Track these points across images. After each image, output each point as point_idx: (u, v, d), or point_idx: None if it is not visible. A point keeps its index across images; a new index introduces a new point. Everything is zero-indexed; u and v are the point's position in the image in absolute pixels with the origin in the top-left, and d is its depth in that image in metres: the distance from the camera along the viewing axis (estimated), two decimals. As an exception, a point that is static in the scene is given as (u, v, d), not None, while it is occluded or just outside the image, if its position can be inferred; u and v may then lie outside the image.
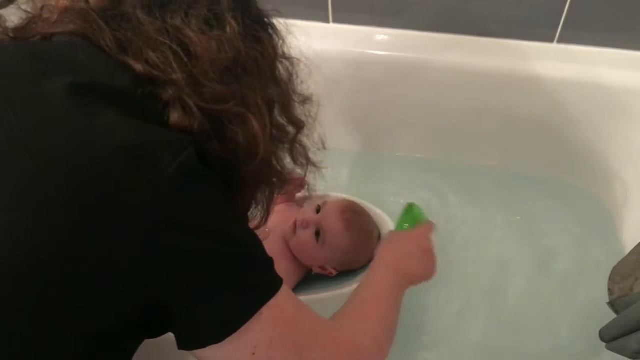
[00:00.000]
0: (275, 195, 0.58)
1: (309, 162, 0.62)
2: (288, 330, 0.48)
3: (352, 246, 0.89)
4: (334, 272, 0.90)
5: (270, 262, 0.48)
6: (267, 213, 0.58)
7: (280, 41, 0.55)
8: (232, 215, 0.47)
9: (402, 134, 1.20)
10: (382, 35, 1.11)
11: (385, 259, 0.72)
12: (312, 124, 0.60)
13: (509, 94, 1.06)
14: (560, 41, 1.03)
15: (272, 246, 0.88)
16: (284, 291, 0.48)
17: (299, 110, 0.58)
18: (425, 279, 0.74)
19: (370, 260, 0.93)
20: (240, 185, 0.51)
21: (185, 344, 0.45)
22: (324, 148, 0.65)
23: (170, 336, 0.47)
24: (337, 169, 1.22)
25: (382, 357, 0.59)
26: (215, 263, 0.43)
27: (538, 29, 1.02)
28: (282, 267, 0.86)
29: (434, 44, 1.08)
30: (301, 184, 0.94)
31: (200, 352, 0.45)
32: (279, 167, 0.57)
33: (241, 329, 0.44)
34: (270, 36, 0.54)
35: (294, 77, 0.57)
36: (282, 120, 0.56)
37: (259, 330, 0.45)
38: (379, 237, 0.96)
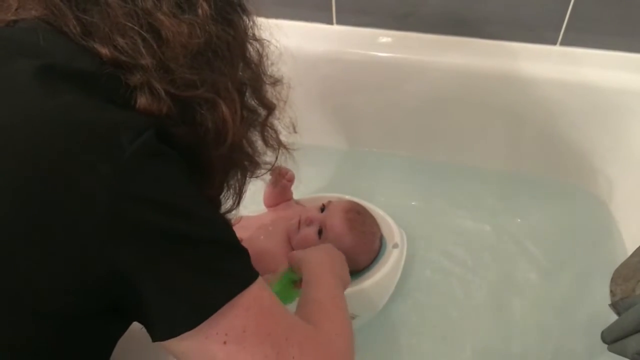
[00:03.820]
0: (248, 179, 0.58)
1: (280, 144, 0.61)
2: (263, 321, 0.46)
3: (353, 246, 0.89)
4: (336, 272, 0.91)
5: (244, 251, 0.47)
6: (239, 197, 0.57)
7: (250, 22, 0.54)
8: (197, 196, 0.45)
9: (404, 135, 1.21)
10: (385, 37, 1.11)
11: (315, 262, 0.71)
12: (282, 106, 0.59)
13: (511, 96, 1.06)
14: (563, 43, 1.03)
15: (275, 242, 0.89)
16: (260, 283, 0.46)
17: (270, 93, 0.58)
18: (348, 282, 0.75)
19: (371, 262, 0.94)
20: (209, 169, 0.51)
21: (156, 334, 0.44)
22: (295, 131, 0.64)
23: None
24: (338, 168, 1.23)
25: (352, 356, 0.57)
26: (178, 242, 0.42)
27: (541, 31, 1.02)
28: (285, 264, 0.87)
29: (437, 46, 1.08)
30: (291, 177, 0.94)
31: (168, 343, 0.43)
32: (250, 151, 0.56)
33: (213, 316, 0.42)
34: (241, 17, 0.53)
35: (265, 58, 0.56)
36: (253, 102, 0.56)
37: (232, 317, 0.43)
38: (382, 239, 0.96)
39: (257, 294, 0.46)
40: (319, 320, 0.56)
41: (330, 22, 1.14)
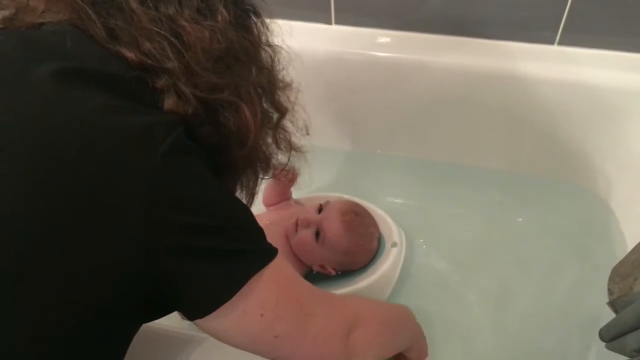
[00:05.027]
0: (260, 180, 0.60)
1: (291, 147, 0.63)
2: (291, 290, 0.50)
3: (351, 248, 0.89)
4: (333, 272, 0.91)
5: (263, 232, 0.50)
6: (252, 197, 0.60)
7: (265, 28, 0.56)
8: (222, 188, 0.48)
9: (403, 135, 1.21)
10: (384, 37, 1.12)
11: None
12: (293, 109, 0.61)
13: (510, 96, 1.07)
14: (560, 43, 1.03)
15: (274, 243, 0.89)
16: (281, 257, 0.50)
17: (282, 96, 0.60)
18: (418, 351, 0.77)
19: (370, 262, 0.94)
20: (229, 170, 0.53)
21: (192, 313, 0.46)
22: (308, 134, 0.66)
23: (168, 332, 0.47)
24: (338, 169, 1.23)
25: (374, 322, 0.61)
26: (211, 233, 0.44)
27: (539, 31, 1.03)
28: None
29: (436, 46, 1.08)
30: (293, 177, 0.95)
31: (208, 322, 0.46)
32: (266, 153, 0.58)
33: (245, 291, 0.45)
34: (256, 24, 0.55)
35: (276, 63, 0.58)
36: (267, 105, 0.57)
37: (263, 290, 0.47)
38: (380, 239, 0.97)
39: (282, 266, 0.50)
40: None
41: (328, 22, 1.14)
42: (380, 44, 1.11)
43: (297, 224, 0.90)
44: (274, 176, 0.63)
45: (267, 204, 1.01)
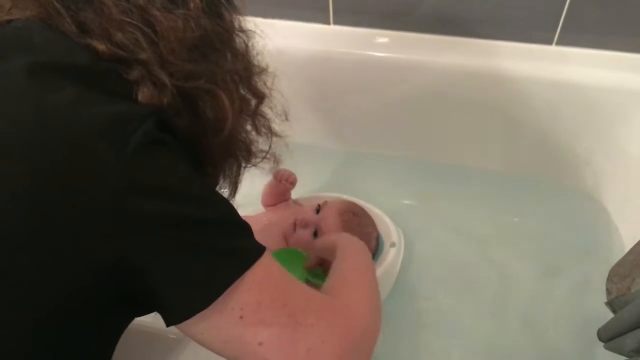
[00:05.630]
0: (243, 168, 0.59)
1: (271, 132, 0.62)
2: (277, 293, 0.46)
3: (349, 247, 0.89)
4: (332, 272, 0.91)
5: (248, 228, 0.48)
6: (235, 187, 0.58)
7: (236, 14, 0.55)
8: (198, 180, 0.46)
9: (401, 135, 1.21)
10: (382, 37, 1.12)
11: (347, 241, 0.73)
12: (271, 95, 0.60)
13: (508, 96, 1.07)
14: (558, 43, 1.03)
15: (271, 243, 0.89)
16: (268, 257, 0.47)
17: (259, 82, 0.59)
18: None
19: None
20: (208, 158, 0.52)
21: (171, 318, 0.44)
22: (287, 119, 0.65)
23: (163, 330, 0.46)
24: (336, 169, 1.23)
25: (375, 322, 0.58)
26: (186, 226, 0.42)
27: (537, 31, 1.03)
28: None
29: (434, 46, 1.09)
30: (293, 180, 0.94)
31: (185, 326, 0.44)
32: (245, 139, 0.57)
33: (225, 292, 0.42)
34: (228, 10, 0.54)
35: (251, 49, 0.57)
36: (244, 92, 0.57)
37: (244, 291, 0.43)
38: (378, 238, 0.97)
39: (267, 267, 0.46)
40: (339, 289, 0.58)
41: (327, 22, 1.14)
42: (378, 44, 1.12)
43: (295, 224, 0.90)
44: (256, 165, 0.62)
45: (266, 205, 1.01)
